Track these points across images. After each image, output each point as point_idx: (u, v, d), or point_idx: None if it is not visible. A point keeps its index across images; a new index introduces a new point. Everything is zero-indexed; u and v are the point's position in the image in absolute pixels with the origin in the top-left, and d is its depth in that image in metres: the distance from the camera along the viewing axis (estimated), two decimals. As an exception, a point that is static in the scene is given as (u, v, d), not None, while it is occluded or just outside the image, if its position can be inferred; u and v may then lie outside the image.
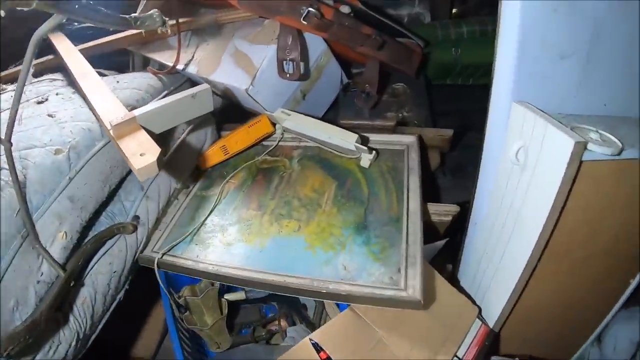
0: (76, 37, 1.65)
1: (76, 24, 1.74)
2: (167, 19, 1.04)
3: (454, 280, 1.45)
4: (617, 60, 1.07)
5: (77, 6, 0.81)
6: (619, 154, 0.92)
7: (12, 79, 1.58)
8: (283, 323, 1.54)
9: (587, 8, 0.99)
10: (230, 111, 1.85)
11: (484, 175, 1.25)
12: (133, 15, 1.04)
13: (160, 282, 1.29)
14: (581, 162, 0.91)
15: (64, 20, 0.84)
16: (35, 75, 1.58)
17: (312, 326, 1.47)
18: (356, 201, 1.34)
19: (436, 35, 2.02)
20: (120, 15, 1.00)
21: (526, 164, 1.03)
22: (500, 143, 1.13)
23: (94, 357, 1.17)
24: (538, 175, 1.00)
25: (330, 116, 1.86)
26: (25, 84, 1.44)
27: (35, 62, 1.67)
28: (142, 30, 1.13)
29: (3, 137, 0.88)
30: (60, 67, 1.54)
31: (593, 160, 0.92)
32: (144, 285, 1.30)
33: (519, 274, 1.10)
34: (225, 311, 1.42)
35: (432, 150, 1.67)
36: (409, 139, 1.51)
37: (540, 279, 1.12)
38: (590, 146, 0.90)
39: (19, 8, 0.72)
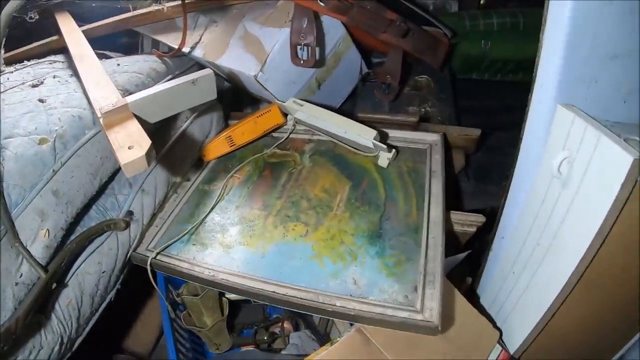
0: (86, 18, 1.57)
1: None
2: (167, 4, 0.92)
3: (473, 295, 1.34)
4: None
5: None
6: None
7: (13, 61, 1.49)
8: (287, 325, 1.48)
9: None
10: (239, 97, 1.75)
11: (517, 185, 1.12)
12: (120, -13, 0.92)
13: (155, 284, 1.21)
14: (636, 181, 0.78)
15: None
16: (38, 57, 1.49)
17: (317, 333, 1.40)
18: (371, 205, 1.22)
19: (464, 25, 1.88)
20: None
21: (570, 178, 0.91)
22: (539, 150, 1.00)
23: (88, 351, 1.11)
24: (584, 193, 0.87)
25: (347, 108, 1.76)
26: (23, 66, 1.39)
27: (39, 43, 1.60)
28: (130, 7, 1.01)
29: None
30: (64, 48, 1.44)
31: (648, 180, 0.79)
32: (142, 275, 1.21)
33: (551, 300, 0.98)
34: (226, 312, 1.35)
35: (456, 151, 1.54)
36: (432, 138, 1.39)
37: (571, 304, 1.00)
38: (649, 163, 0.77)
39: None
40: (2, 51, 0.72)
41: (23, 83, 1.23)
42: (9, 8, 0.71)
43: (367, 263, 1.08)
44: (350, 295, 1.01)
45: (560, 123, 0.93)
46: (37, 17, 1.34)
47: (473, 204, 1.55)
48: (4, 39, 0.72)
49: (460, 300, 1.12)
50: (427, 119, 1.63)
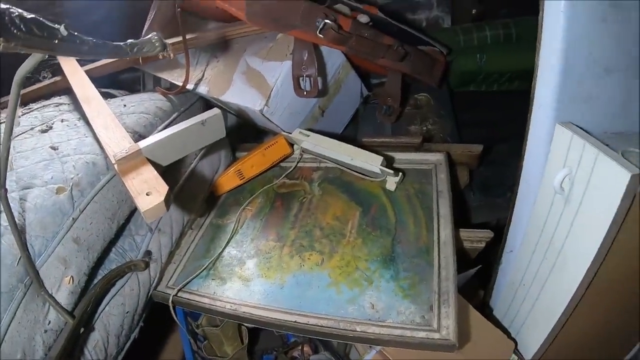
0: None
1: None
2: (168, 42, 0.94)
3: (485, 308, 1.36)
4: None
5: (56, 42, 0.69)
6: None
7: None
8: (306, 349, 1.49)
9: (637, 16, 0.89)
10: (246, 129, 1.77)
11: (521, 202, 1.15)
12: (129, 41, 0.93)
13: (177, 319, 1.24)
14: (634, 196, 0.80)
15: (46, 57, 0.74)
16: (43, 98, 1.51)
17: (336, 355, 1.40)
18: (382, 230, 1.24)
19: (458, 40, 1.89)
20: (114, 43, 0.89)
21: (571, 195, 0.93)
22: (540, 168, 1.03)
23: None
24: (586, 209, 0.90)
25: (350, 131, 1.78)
26: (29, 109, 1.41)
27: (43, 84, 1.62)
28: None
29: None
30: (68, 89, 1.46)
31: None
32: (158, 307, 1.23)
33: (560, 311, 1.01)
34: (246, 340, 1.37)
35: (460, 168, 1.56)
36: (436, 157, 1.41)
37: (581, 313, 1.03)
38: (647, 177, 0.80)
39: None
40: (20, 111, 0.74)
41: (32, 128, 1.25)
42: (22, 69, 0.73)
43: (383, 287, 1.10)
44: (369, 320, 1.04)
45: (559, 142, 0.96)
46: (50, 75, 1.36)
47: (480, 217, 1.57)
48: (19, 98, 0.74)
49: (475, 315, 1.15)
50: (430, 137, 1.65)
